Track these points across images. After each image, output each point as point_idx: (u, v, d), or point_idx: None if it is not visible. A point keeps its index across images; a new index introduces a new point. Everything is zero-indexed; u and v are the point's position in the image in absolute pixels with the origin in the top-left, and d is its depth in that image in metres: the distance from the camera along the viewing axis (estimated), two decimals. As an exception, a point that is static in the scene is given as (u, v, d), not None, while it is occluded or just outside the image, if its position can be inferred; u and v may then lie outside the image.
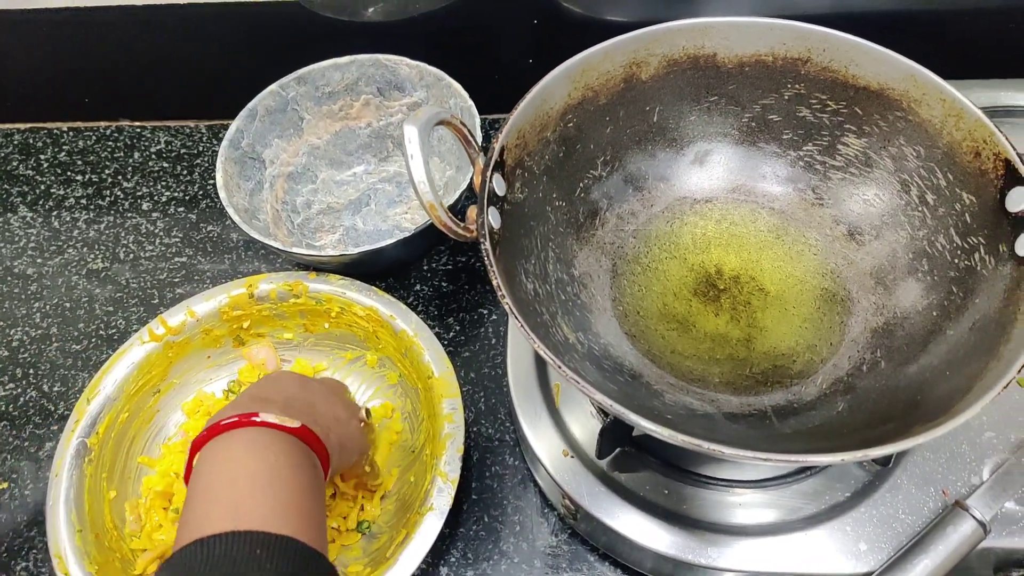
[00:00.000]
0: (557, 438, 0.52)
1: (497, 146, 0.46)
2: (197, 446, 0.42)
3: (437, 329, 0.60)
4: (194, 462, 0.42)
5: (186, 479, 0.43)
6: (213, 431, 0.41)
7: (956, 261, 0.46)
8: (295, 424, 0.42)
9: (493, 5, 0.72)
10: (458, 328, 0.66)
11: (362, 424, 0.52)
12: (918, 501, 0.48)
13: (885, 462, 0.47)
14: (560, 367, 0.39)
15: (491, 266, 0.43)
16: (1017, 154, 0.44)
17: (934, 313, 0.46)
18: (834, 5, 0.67)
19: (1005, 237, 0.44)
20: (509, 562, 0.55)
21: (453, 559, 0.55)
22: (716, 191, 0.55)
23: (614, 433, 0.49)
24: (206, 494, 0.39)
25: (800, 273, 0.52)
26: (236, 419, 0.41)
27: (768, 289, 0.51)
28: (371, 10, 0.73)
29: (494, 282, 0.42)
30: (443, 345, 0.58)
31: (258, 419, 0.41)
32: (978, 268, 0.45)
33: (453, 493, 0.51)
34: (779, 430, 0.45)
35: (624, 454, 0.51)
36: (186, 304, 0.61)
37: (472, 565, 0.55)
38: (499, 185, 0.47)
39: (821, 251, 0.52)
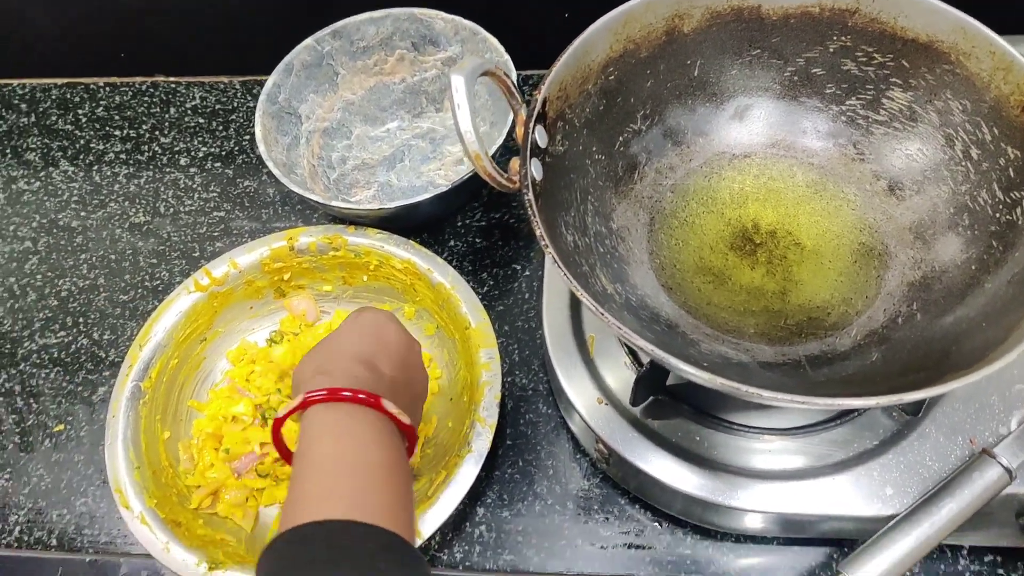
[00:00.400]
0: (591, 387, 0.54)
1: (540, 97, 0.47)
2: (306, 405, 0.41)
3: (472, 284, 0.62)
4: (304, 425, 0.41)
5: (275, 439, 0.44)
6: (333, 395, 0.41)
7: (997, 216, 0.46)
8: (407, 420, 0.42)
9: (528, -42, 0.72)
10: (492, 283, 0.68)
11: None
12: (945, 449, 0.49)
13: (915, 411, 0.48)
14: (602, 314, 0.40)
15: (534, 216, 0.44)
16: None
17: (973, 267, 0.46)
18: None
19: (1048, 191, 0.44)
20: (543, 503, 0.57)
21: (489, 500, 0.58)
22: (755, 146, 0.55)
23: (649, 381, 0.50)
24: (323, 474, 0.39)
25: (837, 228, 0.52)
26: (357, 396, 0.41)
27: (804, 243, 0.52)
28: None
29: (537, 232, 0.43)
30: (477, 299, 0.60)
31: (379, 402, 0.41)
32: (1019, 222, 0.45)
33: (491, 437, 0.53)
34: (812, 378, 0.46)
35: (657, 402, 0.52)
36: (229, 256, 0.63)
37: (508, 506, 0.57)
38: (541, 137, 0.47)
39: (860, 206, 0.53)
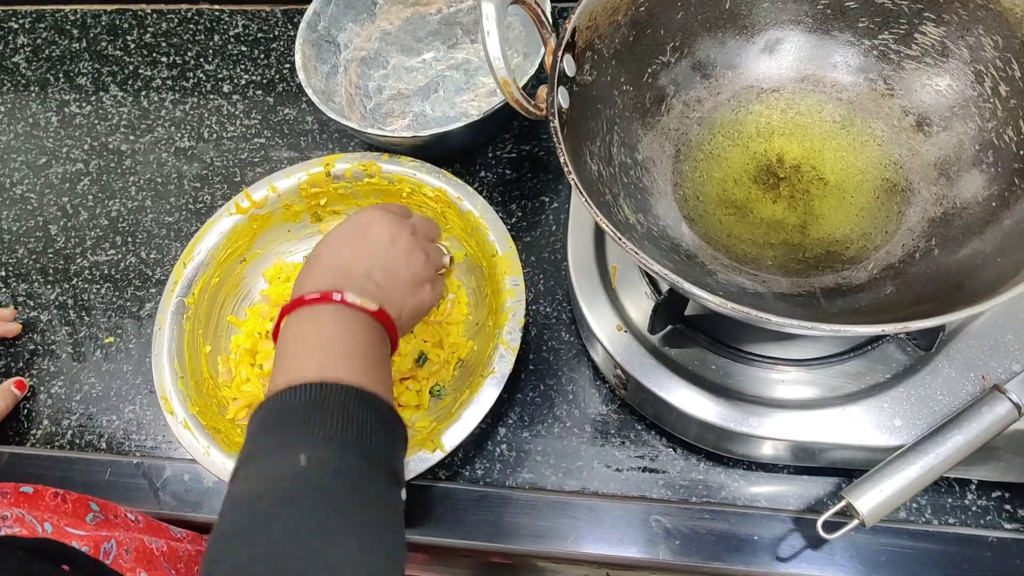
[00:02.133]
0: (612, 315, 0.56)
1: (569, 27, 0.48)
2: (285, 312, 0.45)
3: (500, 214, 0.63)
4: (282, 325, 0.45)
5: (274, 338, 0.47)
6: (300, 302, 0.44)
7: (1022, 153, 0.46)
8: (373, 307, 0.45)
9: None
10: (520, 214, 0.69)
11: (440, 273, 0.53)
12: (957, 385, 0.50)
13: (928, 346, 0.49)
14: (621, 241, 0.42)
15: (559, 144, 0.45)
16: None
17: (993, 203, 0.46)
18: None
19: (1075, 130, 0.44)
20: (562, 426, 0.60)
21: (511, 421, 0.60)
22: (784, 80, 0.55)
23: (667, 310, 0.52)
24: (295, 352, 0.43)
25: (862, 164, 0.52)
26: (320, 295, 0.44)
27: (828, 178, 0.52)
28: None
29: (561, 159, 0.45)
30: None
31: (340, 298, 0.44)
32: (1043, 160, 0.45)
33: (513, 360, 0.56)
34: (826, 309, 0.47)
35: (675, 331, 0.54)
36: (268, 180, 0.65)
37: (528, 427, 0.60)
38: (569, 66, 0.48)
39: (886, 142, 0.53)
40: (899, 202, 0.51)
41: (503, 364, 0.56)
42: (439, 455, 0.53)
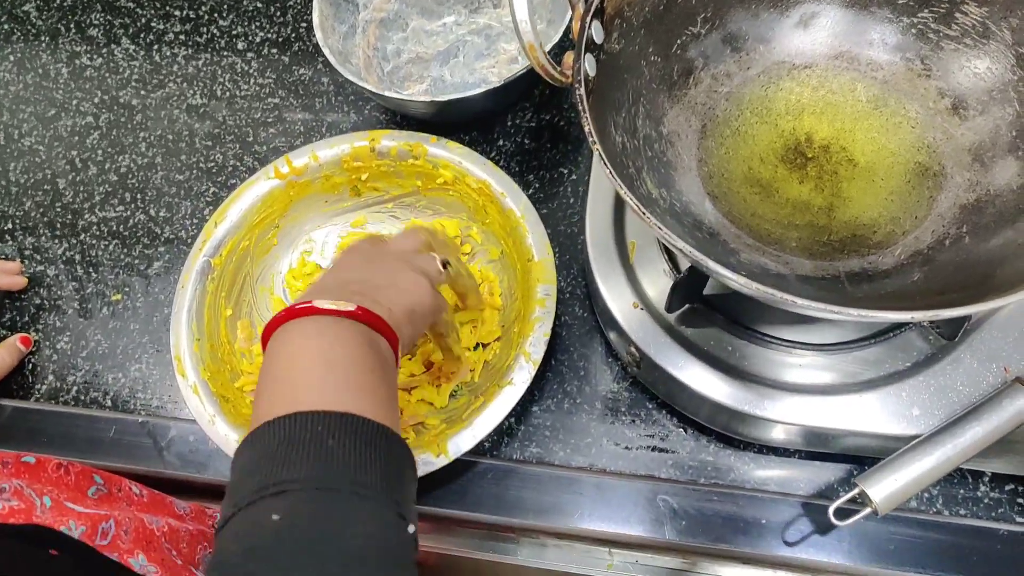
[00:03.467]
0: (628, 291, 0.55)
1: (599, -8, 0.46)
2: (264, 341, 0.43)
3: (518, 184, 0.62)
4: (265, 349, 0.43)
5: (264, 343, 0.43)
6: (272, 326, 0.42)
7: (1061, 141, 0.45)
8: (350, 307, 0.42)
9: None
10: (537, 185, 0.68)
11: (442, 274, 0.51)
12: (978, 376, 0.49)
13: (952, 335, 0.48)
14: (645, 215, 0.41)
15: (584, 112, 0.44)
16: None
17: (1028, 192, 0.45)
18: None
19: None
20: (572, 402, 0.59)
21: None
22: (817, 57, 0.53)
23: (685, 288, 0.51)
24: (269, 384, 0.40)
25: (894, 146, 0.51)
26: (289, 310, 0.42)
27: (858, 160, 0.51)
28: None
29: (586, 128, 0.43)
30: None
31: (310, 306, 0.41)
32: (1082, 148, 0.44)
33: (533, 373, 0.53)
34: (851, 294, 0.46)
35: (692, 310, 0.53)
36: (311, 148, 0.63)
37: (537, 402, 0.59)
38: (597, 32, 0.47)
39: (920, 124, 0.51)
40: (931, 187, 0.49)
41: (521, 375, 0.54)
42: (443, 460, 0.52)
